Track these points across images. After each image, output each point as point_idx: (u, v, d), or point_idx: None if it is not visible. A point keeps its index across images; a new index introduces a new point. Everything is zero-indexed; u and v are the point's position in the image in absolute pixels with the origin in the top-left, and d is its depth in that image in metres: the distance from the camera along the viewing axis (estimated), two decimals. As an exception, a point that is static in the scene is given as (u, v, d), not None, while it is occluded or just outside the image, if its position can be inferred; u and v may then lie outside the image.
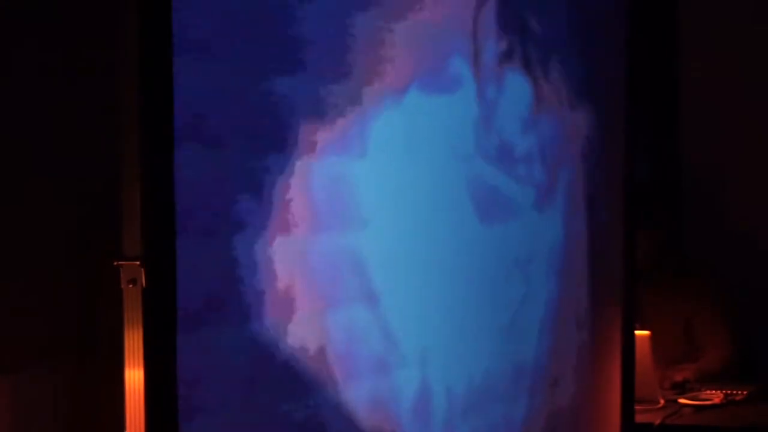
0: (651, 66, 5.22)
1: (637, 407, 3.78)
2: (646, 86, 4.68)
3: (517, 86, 3.07)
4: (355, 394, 2.43)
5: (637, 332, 3.79)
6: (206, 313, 2.03)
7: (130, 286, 2.09)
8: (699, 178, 5.40)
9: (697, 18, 5.37)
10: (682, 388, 4.37)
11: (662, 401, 4.17)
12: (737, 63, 5.30)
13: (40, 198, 2.23)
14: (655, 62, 5.34)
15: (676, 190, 5.45)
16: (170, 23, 1.93)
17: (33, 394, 2.24)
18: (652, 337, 4.16)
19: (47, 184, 2.24)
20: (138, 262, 2.06)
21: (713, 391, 4.28)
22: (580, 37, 3.31)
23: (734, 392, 4.27)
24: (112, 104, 2.08)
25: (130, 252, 2.09)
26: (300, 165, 2.25)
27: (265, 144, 2.18)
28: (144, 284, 2.02)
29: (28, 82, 2.19)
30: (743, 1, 5.31)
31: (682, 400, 4.21)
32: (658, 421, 3.95)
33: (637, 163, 3.82)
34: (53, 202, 2.24)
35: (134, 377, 2.09)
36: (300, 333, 2.25)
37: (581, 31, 3.30)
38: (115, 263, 2.10)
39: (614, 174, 3.54)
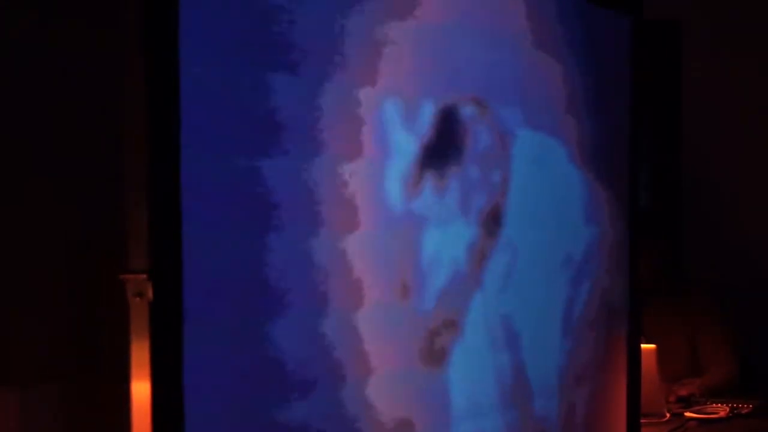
0: (654, 72, 5.23)
1: (642, 421, 3.76)
2: (647, 91, 4.68)
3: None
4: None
5: (642, 346, 3.78)
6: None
7: (137, 299, 2.07)
8: (700, 194, 5.40)
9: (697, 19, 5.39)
10: (687, 402, 4.37)
11: (668, 415, 4.16)
12: (737, 63, 5.31)
13: (41, 207, 2.21)
14: (657, 69, 5.34)
15: (678, 206, 5.44)
16: (177, 23, 1.90)
17: (38, 409, 2.23)
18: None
19: (48, 193, 2.22)
20: (145, 276, 2.04)
21: (719, 405, 4.28)
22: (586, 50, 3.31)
23: (740, 406, 4.26)
24: (116, 107, 2.06)
25: (135, 265, 2.08)
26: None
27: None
28: (151, 298, 2.00)
29: (28, 83, 2.17)
30: (743, 2, 5.33)
31: (688, 414, 4.20)
32: (663, 435, 3.95)
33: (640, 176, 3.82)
34: (55, 211, 2.23)
35: (141, 391, 2.08)
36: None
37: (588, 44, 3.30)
38: (121, 277, 2.09)
39: (619, 188, 3.53)
